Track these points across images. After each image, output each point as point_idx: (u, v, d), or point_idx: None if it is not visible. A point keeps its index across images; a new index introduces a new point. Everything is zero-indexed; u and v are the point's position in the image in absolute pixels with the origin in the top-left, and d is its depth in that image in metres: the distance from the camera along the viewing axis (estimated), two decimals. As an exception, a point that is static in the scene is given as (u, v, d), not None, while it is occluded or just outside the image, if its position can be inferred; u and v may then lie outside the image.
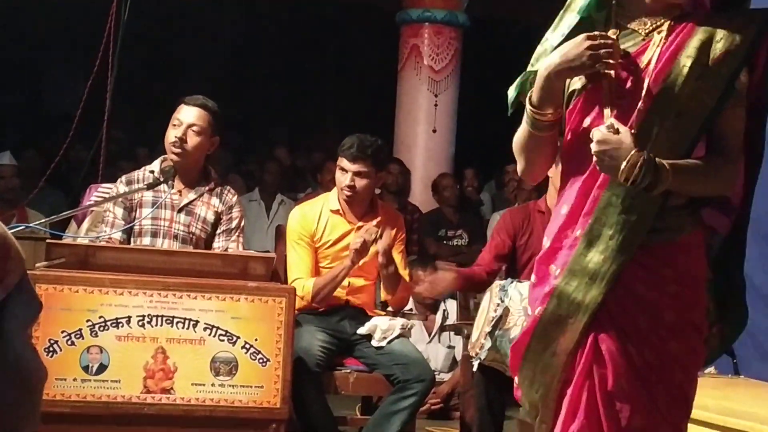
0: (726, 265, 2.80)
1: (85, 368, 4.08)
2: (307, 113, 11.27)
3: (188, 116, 4.70)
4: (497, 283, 4.67)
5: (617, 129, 2.61)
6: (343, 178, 4.96)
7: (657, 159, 2.57)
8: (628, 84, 2.72)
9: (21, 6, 9.94)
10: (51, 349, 4.01)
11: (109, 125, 5.11)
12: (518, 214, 5.37)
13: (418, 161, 9.52)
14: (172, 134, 4.68)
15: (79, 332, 4.08)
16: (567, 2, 2.89)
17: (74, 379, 4.06)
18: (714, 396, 4.02)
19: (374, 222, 5.05)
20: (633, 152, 2.56)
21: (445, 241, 8.39)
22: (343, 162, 4.98)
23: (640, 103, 2.66)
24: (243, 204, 5.09)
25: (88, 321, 4.09)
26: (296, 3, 11.25)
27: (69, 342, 4.07)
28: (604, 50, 2.65)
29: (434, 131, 9.89)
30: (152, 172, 4.71)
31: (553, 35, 2.83)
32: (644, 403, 2.66)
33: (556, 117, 2.80)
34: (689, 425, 3.62)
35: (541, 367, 2.78)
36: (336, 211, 5.10)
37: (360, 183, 4.96)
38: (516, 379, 2.90)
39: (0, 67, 10.72)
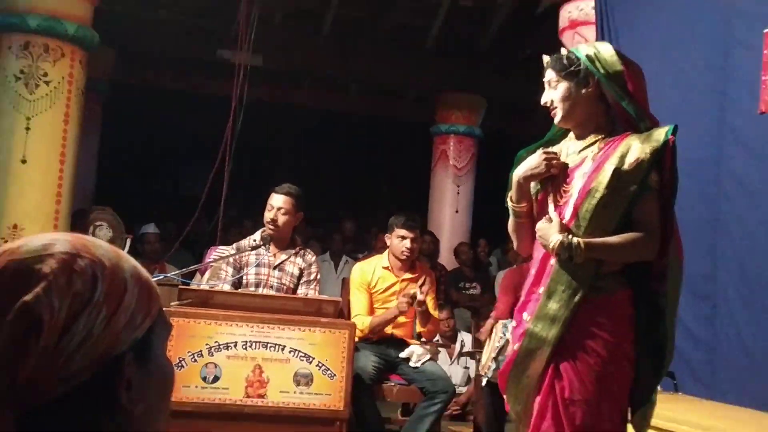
0: (656, 318, 2.84)
1: (204, 378, 4.09)
2: (365, 199, 11.30)
3: (278, 202, 4.76)
4: (501, 322, 4.71)
5: (551, 219, 2.82)
6: (403, 243, 5.02)
7: (575, 239, 2.69)
8: (570, 185, 2.83)
9: (164, 122, 10.11)
10: (179, 364, 4.03)
11: (225, 205, 5.19)
12: (516, 273, 5.39)
13: (445, 233, 9.45)
14: (268, 215, 4.75)
15: (200, 352, 4.11)
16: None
17: (195, 386, 4.08)
18: (660, 408, 4.00)
19: (413, 276, 5.08)
20: (557, 236, 2.70)
21: (463, 291, 8.32)
22: (402, 231, 5.03)
23: (576, 199, 2.78)
24: (318, 264, 5.14)
25: (206, 344, 4.11)
26: (360, 121, 11.35)
27: (192, 359, 4.10)
28: (554, 161, 2.84)
29: (456, 212, 9.86)
30: (255, 240, 4.79)
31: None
32: (591, 407, 2.69)
33: (529, 208, 2.95)
34: None
35: (520, 387, 2.84)
36: (386, 267, 5.13)
37: (415, 246, 5.05)
38: (505, 395, 2.95)
39: (149, 164, 10.88)
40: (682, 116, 4.91)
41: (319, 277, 4.95)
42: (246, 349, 4.15)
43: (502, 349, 4.60)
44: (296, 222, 4.86)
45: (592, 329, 2.73)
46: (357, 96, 11.09)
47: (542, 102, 3.00)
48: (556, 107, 2.89)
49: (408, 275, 5.10)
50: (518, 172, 2.92)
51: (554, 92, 2.90)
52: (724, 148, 4.55)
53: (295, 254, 4.86)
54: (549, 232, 2.77)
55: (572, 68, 2.84)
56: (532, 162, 2.88)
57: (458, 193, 9.84)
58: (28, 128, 5.33)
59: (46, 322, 0.80)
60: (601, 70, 2.79)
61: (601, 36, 5.88)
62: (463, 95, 9.88)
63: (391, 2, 7.93)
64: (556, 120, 2.93)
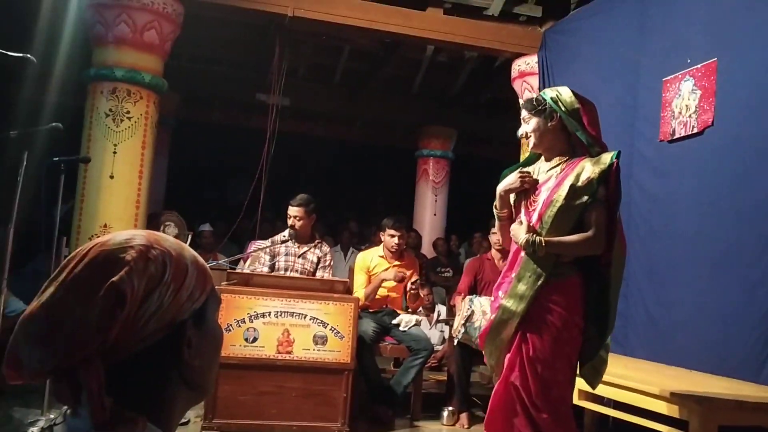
0: (602, 296, 2.85)
1: (246, 339, 4.10)
2: (366, 205, 11.29)
3: (293, 212, 4.76)
4: (468, 298, 4.70)
5: (521, 221, 2.87)
6: (392, 240, 5.04)
7: (538, 238, 2.74)
8: (538, 196, 2.87)
9: (216, 147, 10.11)
10: (227, 329, 4.04)
11: (262, 209, 5.19)
12: (476, 261, 5.39)
13: (426, 231, 9.43)
14: (288, 222, 4.78)
15: (243, 320, 4.11)
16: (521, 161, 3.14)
17: (240, 345, 4.09)
18: (611, 365, 4.00)
19: (401, 262, 5.09)
20: (524, 235, 2.77)
21: (440, 274, 8.30)
22: (391, 231, 5.06)
23: (541, 207, 2.82)
24: (332, 253, 5.14)
25: (248, 313, 4.12)
26: (362, 148, 11.36)
27: (237, 325, 4.10)
28: (527, 179, 2.90)
29: (435, 215, 9.83)
30: (284, 236, 4.79)
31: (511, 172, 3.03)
32: (548, 364, 2.73)
33: (509, 214, 3.00)
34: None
35: (494, 346, 2.89)
36: (381, 256, 5.14)
37: (401, 242, 5.05)
38: (483, 351, 2.97)
39: (205, 178, 10.87)
40: (602, 143, 4.94)
41: (332, 263, 4.96)
42: (277, 317, 4.15)
43: (468, 318, 4.60)
44: (311, 222, 4.84)
45: (550, 305, 2.76)
46: (360, 129, 11.11)
47: (518, 134, 3.09)
48: (530, 137, 2.94)
49: (397, 262, 5.11)
50: (500, 187, 2.98)
51: (527, 126, 2.95)
52: (633, 166, 4.56)
53: (314, 246, 4.87)
54: (519, 232, 2.83)
55: (540, 107, 2.90)
56: (510, 179, 2.97)
57: (436, 200, 9.84)
58: (115, 152, 5.33)
59: (128, 296, 0.81)
60: (562, 108, 2.83)
61: (542, 83, 5.89)
62: (440, 128, 9.91)
63: (386, 58, 7.93)
64: (530, 147, 2.98)
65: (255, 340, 4.11)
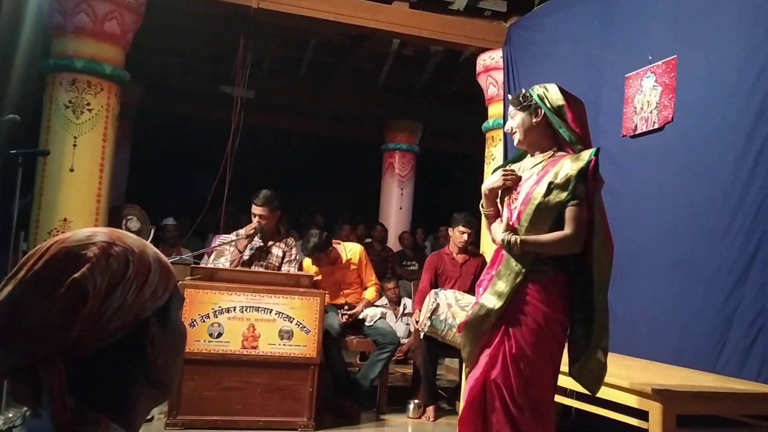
0: (587, 295, 2.83)
1: (210, 334, 4.08)
2: (333, 199, 11.26)
3: (257, 210, 4.70)
4: (432, 291, 4.72)
5: (501, 220, 2.86)
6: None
7: (513, 237, 2.72)
8: (519, 194, 2.85)
9: (179, 140, 9.99)
10: (192, 324, 4.03)
11: (227, 203, 5.15)
12: (435, 257, 5.42)
13: (392, 225, 9.43)
14: (254, 220, 4.73)
15: (207, 315, 4.10)
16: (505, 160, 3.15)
17: (204, 341, 4.08)
18: (565, 358, 4.05)
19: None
20: (501, 234, 2.77)
21: (406, 267, 8.33)
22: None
23: (521, 205, 2.81)
24: (297, 247, 5.11)
25: (212, 309, 4.10)
26: (328, 141, 11.33)
27: (202, 320, 4.08)
28: (509, 177, 2.89)
29: (400, 208, 9.85)
30: (250, 230, 4.75)
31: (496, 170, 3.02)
32: (530, 361, 2.70)
33: (495, 212, 2.96)
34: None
35: (470, 339, 2.86)
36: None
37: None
38: (460, 342, 2.96)
39: (168, 171, 10.72)
40: (566, 138, 5.00)
41: (298, 257, 4.94)
42: (243, 312, 4.14)
43: (434, 311, 4.63)
44: (276, 218, 4.80)
45: (532, 303, 2.72)
46: (326, 122, 11.07)
47: (505, 129, 3.05)
48: (515, 132, 2.92)
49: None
50: (484, 186, 2.96)
51: (513, 121, 2.93)
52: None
53: (280, 241, 4.84)
54: (497, 231, 2.82)
55: (525, 103, 2.87)
56: (493, 178, 2.94)
57: (402, 194, 9.85)
58: (75, 145, 5.23)
59: (90, 293, 0.80)
60: (547, 105, 2.81)
61: (507, 78, 5.94)
62: (406, 121, 9.89)
63: (352, 51, 7.91)
64: (515, 142, 2.96)
65: (220, 335, 4.09)
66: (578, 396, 3.70)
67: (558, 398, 3.83)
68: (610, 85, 4.54)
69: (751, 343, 3.30)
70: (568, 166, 2.74)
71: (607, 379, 3.21)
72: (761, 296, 3.28)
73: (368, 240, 8.40)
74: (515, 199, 2.85)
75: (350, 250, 5.10)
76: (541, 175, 2.79)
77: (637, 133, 4.24)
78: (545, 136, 2.87)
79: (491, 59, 6.25)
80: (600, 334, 2.73)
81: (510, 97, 3.00)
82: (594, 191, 2.74)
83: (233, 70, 6.82)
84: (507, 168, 2.95)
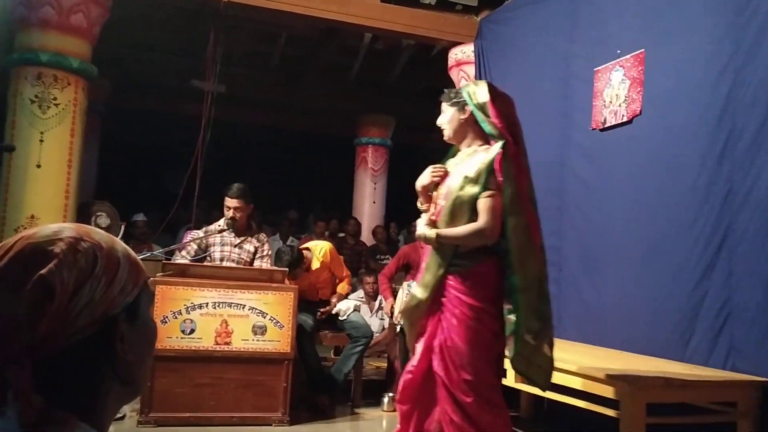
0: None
1: (183, 331, 4.05)
2: (305, 194, 11.22)
3: (231, 203, 4.66)
4: (405, 284, 4.76)
5: (423, 216, 2.98)
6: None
7: (429, 231, 2.86)
8: (442, 190, 2.98)
9: (149, 135, 9.87)
10: (164, 320, 3.99)
11: (199, 199, 5.10)
12: (410, 248, 5.47)
13: (365, 219, 9.43)
14: (227, 213, 4.67)
15: (179, 311, 4.06)
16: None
17: (176, 337, 4.04)
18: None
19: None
20: (421, 228, 2.92)
21: (380, 261, 8.32)
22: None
23: (443, 199, 2.95)
24: (270, 243, 5.08)
25: (184, 305, 4.07)
26: (300, 136, 11.29)
27: (174, 317, 4.05)
28: (438, 173, 3.01)
29: (374, 203, 9.87)
30: (220, 225, 4.70)
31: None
32: (462, 351, 2.80)
33: (429, 207, 3.05)
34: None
35: (407, 327, 3.04)
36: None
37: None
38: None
39: (138, 167, 10.60)
40: (536, 131, 5.02)
41: (270, 252, 4.90)
42: (215, 308, 4.10)
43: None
44: (249, 211, 4.76)
45: (455, 295, 2.83)
46: (298, 116, 11.01)
47: (437, 123, 3.11)
48: (445, 128, 3.03)
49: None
50: (417, 183, 3.07)
51: (443, 117, 3.06)
52: (566, 154, 4.67)
53: (251, 236, 4.80)
54: (419, 226, 2.94)
55: (455, 100, 3.00)
56: (423, 175, 3.04)
57: (375, 188, 9.86)
58: (41, 140, 5.14)
59: (57, 290, 0.79)
60: (473, 102, 2.92)
61: (478, 72, 5.96)
62: (378, 116, 9.92)
63: (323, 45, 7.88)
64: (445, 137, 3.08)
65: (192, 331, 4.05)
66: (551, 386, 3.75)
67: (530, 389, 3.87)
68: (580, 79, 4.59)
69: (718, 332, 3.37)
70: (480, 159, 2.86)
71: (578, 369, 3.26)
72: (727, 286, 3.34)
73: (341, 234, 8.39)
74: (440, 194, 2.98)
75: (320, 251, 5.08)
76: (459, 169, 2.93)
77: (606, 126, 4.29)
78: (474, 132, 2.97)
79: (463, 53, 6.27)
80: (527, 314, 2.83)
81: (443, 93, 3.12)
82: (504, 183, 2.83)
83: (203, 64, 6.75)
84: (436, 165, 3.05)
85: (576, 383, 3.28)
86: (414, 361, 2.94)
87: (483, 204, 2.81)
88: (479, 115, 2.91)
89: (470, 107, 2.93)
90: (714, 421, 3.15)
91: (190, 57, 8.18)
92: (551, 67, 4.94)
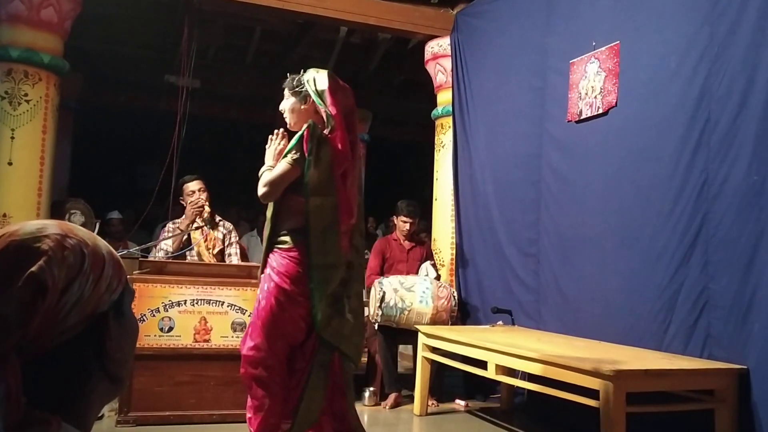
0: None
1: (161, 329, 4.02)
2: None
3: (195, 185, 4.70)
4: (376, 281, 4.77)
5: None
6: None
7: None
8: None
9: (123, 131, 9.78)
10: (141, 319, 3.95)
11: (175, 196, 5.05)
12: (383, 242, 5.50)
13: (343, 213, 9.46)
14: (194, 198, 4.65)
15: (157, 309, 4.03)
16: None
17: (155, 335, 4.01)
18: (502, 336, 4.12)
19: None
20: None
21: (358, 256, 8.37)
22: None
23: None
24: (247, 238, 5.05)
25: (162, 303, 4.04)
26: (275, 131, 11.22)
27: (151, 314, 4.01)
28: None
29: (351, 197, 9.89)
30: (196, 222, 4.68)
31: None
32: (263, 321, 2.97)
33: None
34: (491, 354, 3.70)
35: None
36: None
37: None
38: None
39: (112, 164, 10.49)
40: (512, 124, 5.06)
41: (237, 239, 4.88)
42: (194, 305, 4.08)
43: (382, 300, 4.65)
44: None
45: (271, 273, 2.97)
46: (275, 111, 10.89)
47: (279, 109, 3.20)
48: (287, 117, 3.14)
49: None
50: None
51: (285, 104, 3.15)
52: (543, 146, 4.69)
53: (217, 225, 4.78)
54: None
55: (297, 89, 3.08)
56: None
57: (352, 182, 9.85)
58: (12, 137, 5.05)
59: (49, 286, 0.77)
60: (312, 88, 3.01)
61: (455, 65, 5.97)
62: (354, 109, 9.88)
63: (298, 39, 7.83)
64: (288, 126, 3.16)
65: (171, 329, 4.02)
66: (530, 378, 3.78)
67: (510, 380, 3.90)
68: (556, 71, 4.61)
69: (694, 321, 3.41)
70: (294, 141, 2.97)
71: (558, 360, 3.29)
72: (704, 275, 3.38)
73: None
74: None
75: None
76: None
77: (582, 118, 4.32)
78: (316, 120, 3.00)
79: (439, 46, 6.27)
80: (320, 302, 2.90)
81: (286, 80, 3.19)
82: (308, 160, 2.91)
83: (177, 58, 6.67)
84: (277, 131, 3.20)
85: (555, 374, 3.30)
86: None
87: (279, 165, 2.98)
88: (318, 101, 3.00)
89: (312, 97, 3.01)
90: (692, 408, 3.20)
91: (164, 52, 8.08)
92: (527, 59, 4.96)
